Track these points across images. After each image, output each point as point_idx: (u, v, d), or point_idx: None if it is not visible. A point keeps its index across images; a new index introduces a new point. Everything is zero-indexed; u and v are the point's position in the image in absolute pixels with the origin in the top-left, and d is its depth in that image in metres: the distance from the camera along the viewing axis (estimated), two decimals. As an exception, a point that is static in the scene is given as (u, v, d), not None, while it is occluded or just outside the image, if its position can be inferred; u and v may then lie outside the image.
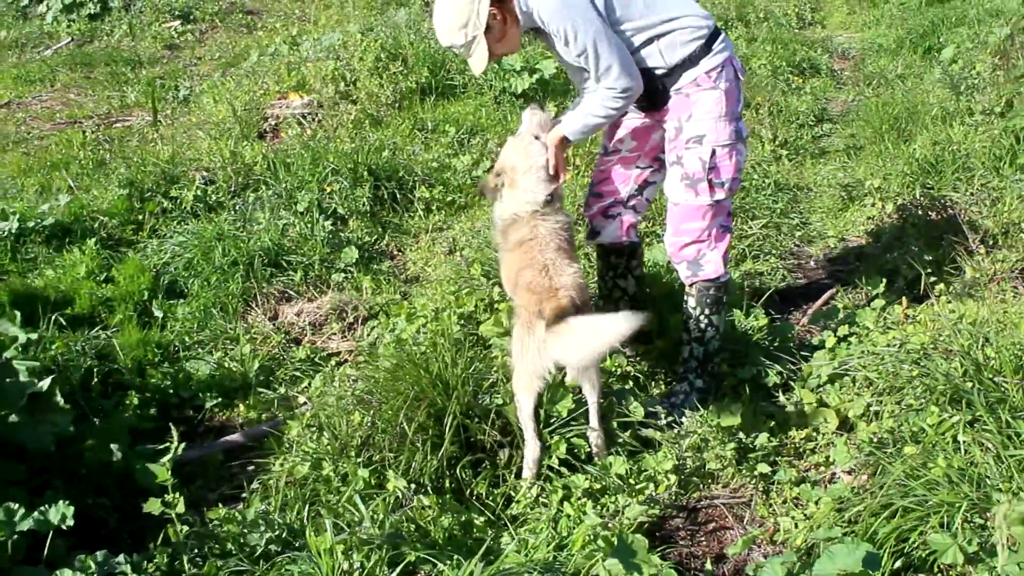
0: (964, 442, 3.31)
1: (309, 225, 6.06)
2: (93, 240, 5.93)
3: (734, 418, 3.85)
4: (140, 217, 6.53)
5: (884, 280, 5.06)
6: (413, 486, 3.60)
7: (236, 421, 4.56)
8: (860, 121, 8.27)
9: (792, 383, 4.34)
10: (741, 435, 3.87)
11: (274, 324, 5.29)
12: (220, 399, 4.63)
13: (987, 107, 7.23)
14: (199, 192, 6.63)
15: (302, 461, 3.76)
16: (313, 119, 8.29)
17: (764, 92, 8.65)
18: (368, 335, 5.03)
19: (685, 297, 4.16)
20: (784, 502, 3.64)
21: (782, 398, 4.25)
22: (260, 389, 4.68)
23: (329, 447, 3.79)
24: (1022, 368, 3.69)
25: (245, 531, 3.29)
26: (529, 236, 3.85)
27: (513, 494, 3.68)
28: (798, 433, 3.98)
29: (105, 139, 8.95)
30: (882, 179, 6.54)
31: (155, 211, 6.52)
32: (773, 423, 4.02)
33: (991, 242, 5.34)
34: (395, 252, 6.33)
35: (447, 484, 3.68)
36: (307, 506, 3.52)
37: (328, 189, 6.52)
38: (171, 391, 4.59)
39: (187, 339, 5.10)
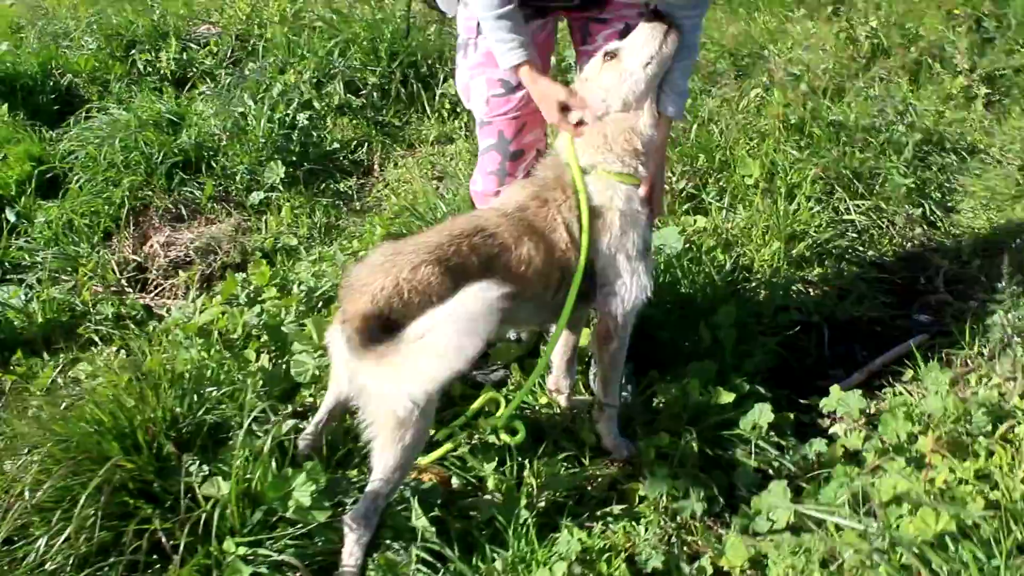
0: None
1: (260, 118, 4.64)
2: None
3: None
4: (109, 78, 5.37)
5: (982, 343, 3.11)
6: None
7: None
8: None
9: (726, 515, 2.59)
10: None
11: (138, 253, 4.02)
12: (-9, 361, 3.44)
13: None
14: (176, 57, 5.36)
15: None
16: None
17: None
18: (199, 298, 3.58)
19: None
20: None
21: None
22: (44, 354, 3.42)
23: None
24: None
25: None
26: None
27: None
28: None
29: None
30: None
31: (122, 75, 5.34)
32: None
33: None
34: (375, 166, 4.85)
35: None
36: None
37: (299, 76, 5.03)
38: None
39: (27, 258, 3.94)
